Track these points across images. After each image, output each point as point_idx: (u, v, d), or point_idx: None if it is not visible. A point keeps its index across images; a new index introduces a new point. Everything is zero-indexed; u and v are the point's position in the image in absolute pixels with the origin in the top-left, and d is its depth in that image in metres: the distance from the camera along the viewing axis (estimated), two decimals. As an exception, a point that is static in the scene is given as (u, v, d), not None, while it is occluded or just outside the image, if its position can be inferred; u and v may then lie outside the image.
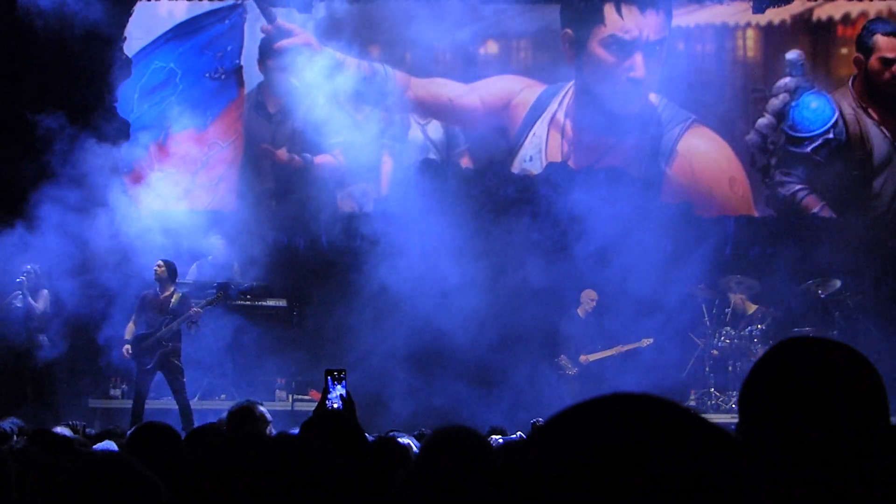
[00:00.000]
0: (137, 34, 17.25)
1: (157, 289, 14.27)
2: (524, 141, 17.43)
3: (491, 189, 16.97)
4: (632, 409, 1.35)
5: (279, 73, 17.36)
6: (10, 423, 9.30)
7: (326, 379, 6.17)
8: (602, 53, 17.16)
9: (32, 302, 14.35)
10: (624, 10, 17.05)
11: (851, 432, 1.99)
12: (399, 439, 6.75)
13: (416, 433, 8.69)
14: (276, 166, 17.45)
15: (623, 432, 1.31)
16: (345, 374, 6.21)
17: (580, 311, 15.57)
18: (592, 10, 17.11)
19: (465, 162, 17.34)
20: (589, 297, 15.55)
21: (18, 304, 14.39)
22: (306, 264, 16.32)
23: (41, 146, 15.06)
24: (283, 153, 17.39)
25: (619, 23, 17.07)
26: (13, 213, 14.43)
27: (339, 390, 6.13)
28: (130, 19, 17.01)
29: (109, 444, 7.39)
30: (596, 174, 16.86)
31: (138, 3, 17.03)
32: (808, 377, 2.04)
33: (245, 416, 6.81)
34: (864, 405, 2.01)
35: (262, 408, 7.12)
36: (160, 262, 14.27)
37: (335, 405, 6.15)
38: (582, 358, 15.30)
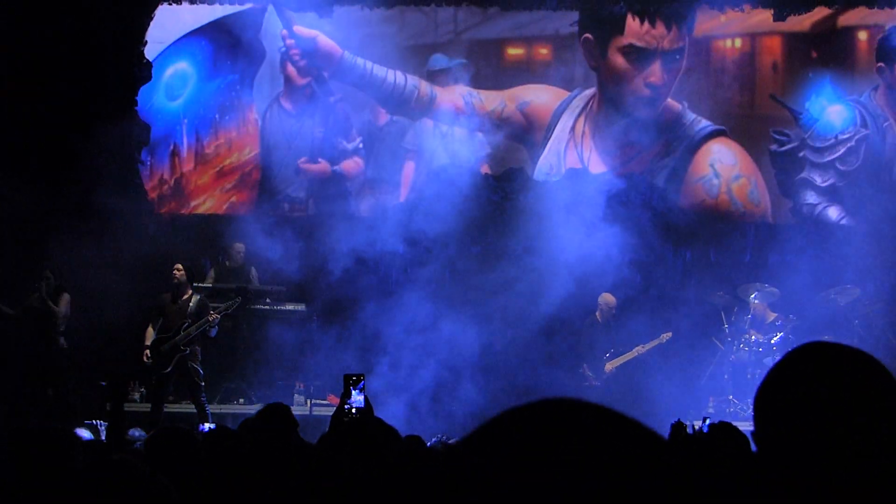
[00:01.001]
0: (159, 38, 17.27)
1: (176, 292, 14.29)
2: (545, 147, 17.42)
3: (511, 195, 16.96)
4: (556, 415, 1.38)
5: (300, 78, 17.40)
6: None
7: (346, 384, 6.19)
8: (620, 61, 17.13)
9: (53, 305, 14.36)
10: (642, 18, 17.00)
11: (866, 440, 1.98)
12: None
13: (436, 438, 8.68)
14: (296, 171, 17.45)
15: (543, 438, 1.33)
16: (364, 380, 6.23)
17: (598, 316, 15.49)
18: (612, 17, 17.07)
19: (486, 168, 17.33)
20: (606, 302, 15.45)
21: (37, 306, 14.38)
22: (326, 268, 16.30)
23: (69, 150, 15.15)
24: (304, 159, 17.40)
25: (637, 31, 17.03)
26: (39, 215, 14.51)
27: (358, 395, 6.14)
28: (152, 23, 17.04)
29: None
30: (615, 181, 16.83)
31: (160, 7, 17.05)
32: (823, 383, 2.03)
33: (278, 415, 6.80)
34: (880, 413, 2.00)
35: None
36: (178, 266, 14.29)
37: (354, 409, 6.16)
38: (607, 367, 15.16)
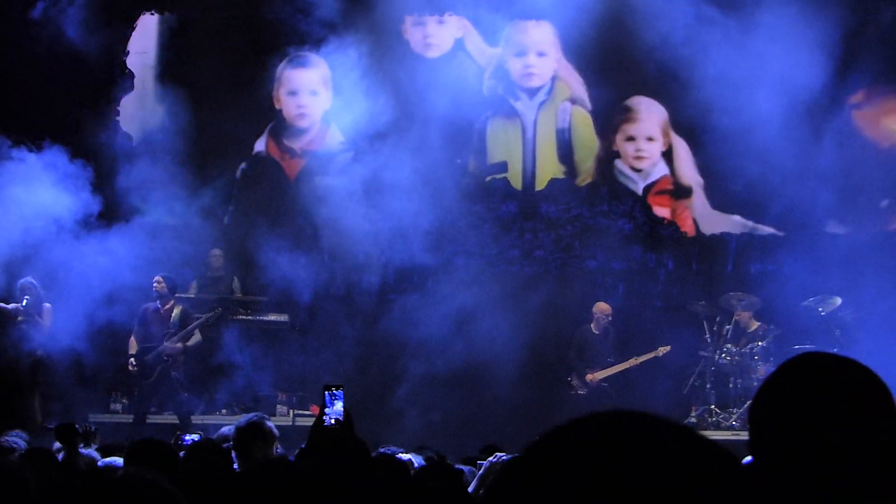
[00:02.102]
0: (139, 47, 17.25)
1: (158, 303, 14.27)
2: (527, 157, 17.41)
3: (493, 205, 16.95)
4: (617, 428, 1.35)
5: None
6: (15, 437, 9.33)
7: (324, 394, 6.19)
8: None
9: (41, 321, 14.30)
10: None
11: (861, 448, 1.98)
12: (398, 456, 6.75)
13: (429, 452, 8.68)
14: (279, 181, 17.43)
15: (610, 452, 1.31)
16: (343, 390, 6.23)
17: (594, 326, 15.46)
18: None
19: (468, 178, 17.29)
20: (601, 311, 15.41)
21: (24, 326, 14.26)
22: (308, 279, 16.28)
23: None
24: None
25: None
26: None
27: (338, 405, 6.15)
28: (133, 33, 17.03)
29: (115, 460, 7.37)
30: (598, 190, 16.87)
31: (141, 17, 17.05)
32: (818, 392, 2.03)
33: (255, 432, 6.79)
34: (875, 422, 2.01)
35: (270, 423, 7.11)
36: (159, 278, 14.28)
37: (333, 420, 6.17)
38: (588, 377, 15.16)
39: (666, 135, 17.16)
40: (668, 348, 15.07)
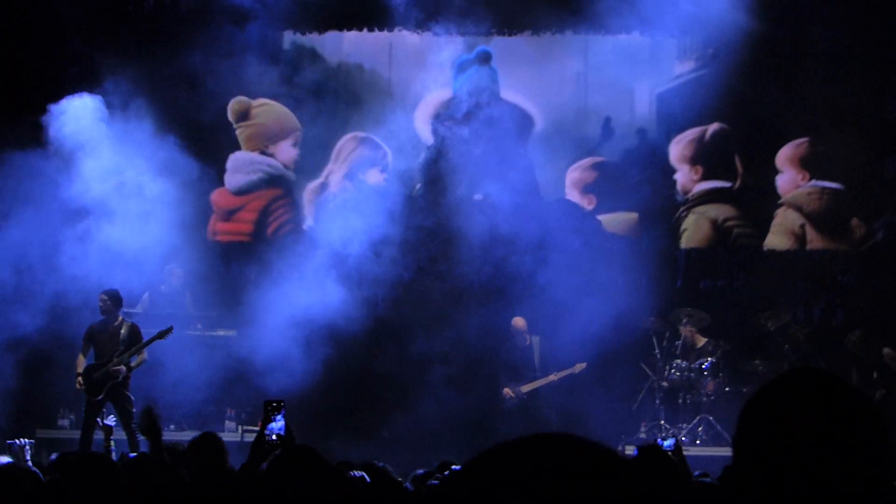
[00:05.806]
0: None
1: (105, 320, 14.16)
2: (477, 171, 17.44)
3: (443, 220, 16.94)
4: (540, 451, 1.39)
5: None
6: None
7: (265, 410, 6.18)
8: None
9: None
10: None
11: (848, 478, 1.96)
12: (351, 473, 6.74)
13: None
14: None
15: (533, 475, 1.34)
16: (284, 405, 6.22)
17: (518, 340, 15.58)
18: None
19: (417, 191, 17.28)
20: (516, 326, 15.57)
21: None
22: (257, 294, 16.24)
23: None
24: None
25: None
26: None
27: (279, 422, 6.13)
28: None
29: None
30: (548, 205, 16.93)
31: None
32: (809, 414, 2.01)
33: (208, 446, 6.76)
34: (867, 450, 1.99)
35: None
36: (102, 296, 14.14)
37: (274, 436, 6.15)
38: (506, 391, 15.27)
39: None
40: (583, 365, 15.21)
